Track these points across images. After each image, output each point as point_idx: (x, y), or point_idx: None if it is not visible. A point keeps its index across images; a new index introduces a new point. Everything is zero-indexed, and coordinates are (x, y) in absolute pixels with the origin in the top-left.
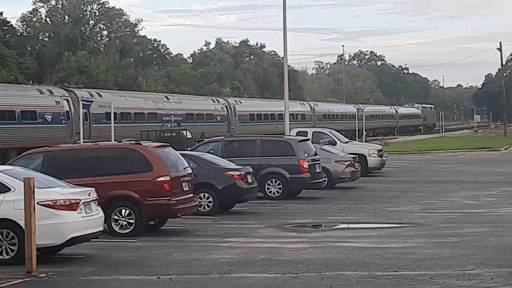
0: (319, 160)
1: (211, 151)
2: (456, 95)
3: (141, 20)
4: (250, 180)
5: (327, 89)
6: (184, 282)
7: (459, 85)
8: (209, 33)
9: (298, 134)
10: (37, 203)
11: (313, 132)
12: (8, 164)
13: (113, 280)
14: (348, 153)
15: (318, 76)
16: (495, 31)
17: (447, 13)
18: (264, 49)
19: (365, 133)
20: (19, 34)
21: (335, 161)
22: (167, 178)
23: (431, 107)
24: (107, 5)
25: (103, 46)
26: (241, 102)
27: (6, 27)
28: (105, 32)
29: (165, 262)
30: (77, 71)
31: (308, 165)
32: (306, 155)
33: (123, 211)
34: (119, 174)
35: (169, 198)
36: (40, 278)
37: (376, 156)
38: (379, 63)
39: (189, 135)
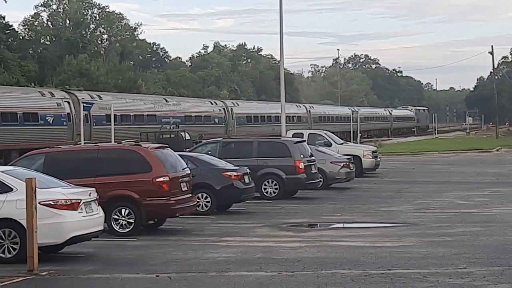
0: (314, 161)
1: (209, 152)
2: (449, 98)
3: (141, 24)
4: (247, 181)
5: (322, 91)
6: (183, 280)
7: (451, 88)
8: (207, 37)
9: (294, 135)
10: (39, 203)
11: (309, 133)
12: (10, 165)
13: (113, 278)
14: (343, 154)
15: (314, 79)
16: (486, 36)
17: (440, 17)
18: (261, 52)
19: (360, 134)
20: (21, 37)
21: (331, 162)
22: (166, 178)
23: (424, 110)
24: (107, 10)
25: (104, 49)
26: (238, 105)
27: (8, 31)
28: (105, 36)
29: (164, 260)
30: (78, 74)
31: (304, 166)
32: (302, 156)
33: (123, 210)
34: (119, 175)
35: (168, 198)
36: (42, 276)
37: (371, 157)
38: (373, 66)
39: (187, 137)
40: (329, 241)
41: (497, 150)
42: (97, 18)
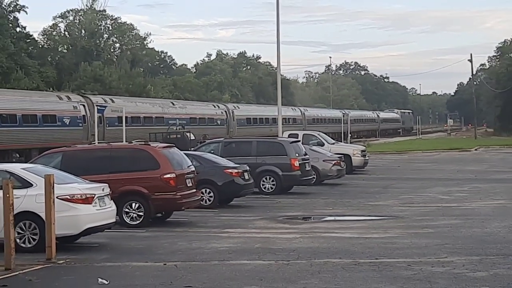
0: (308, 160)
1: (212, 151)
2: (432, 101)
3: (150, 34)
4: (246, 177)
5: (316, 96)
6: (188, 268)
7: (434, 93)
8: (210, 45)
9: (290, 136)
10: (57, 197)
11: (303, 134)
12: (30, 163)
13: (124, 266)
14: (335, 153)
15: (308, 84)
16: (466, 45)
17: (423, 28)
18: (259, 60)
19: (350, 135)
20: (40, 46)
21: (323, 160)
22: (173, 175)
23: (409, 112)
24: (119, 21)
25: (116, 57)
26: (239, 107)
27: (29, 40)
28: (117, 45)
29: (171, 250)
30: (93, 79)
31: (299, 164)
32: (297, 155)
33: (133, 204)
34: (129, 172)
35: (175, 193)
36: (59, 264)
37: (360, 156)
38: (362, 72)
39: (192, 137)
40: (322, 233)
41: (476, 150)
42: (110, 28)
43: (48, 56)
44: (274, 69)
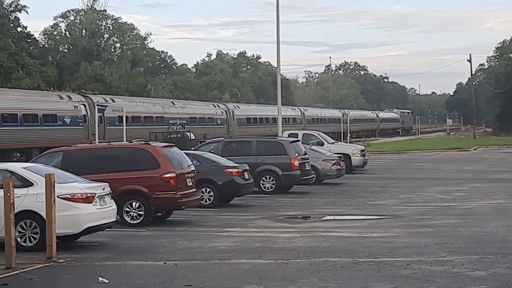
0: (308, 159)
1: (212, 151)
2: (431, 101)
3: (150, 34)
4: (246, 177)
5: (315, 96)
6: (188, 267)
7: (433, 93)
8: (211, 45)
9: (289, 135)
10: (57, 197)
11: (303, 134)
12: (31, 162)
13: (125, 265)
14: (334, 153)
15: (308, 84)
16: (465, 45)
17: (423, 28)
18: (259, 60)
19: (350, 135)
20: (41, 46)
21: (323, 160)
22: (173, 174)
23: (408, 112)
24: (120, 21)
25: (116, 57)
26: (239, 107)
27: (30, 40)
28: (118, 45)
29: (171, 249)
30: (93, 79)
31: (299, 163)
32: (296, 154)
33: (134, 203)
34: (130, 171)
35: (175, 192)
36: (60, 263)
37: (359, 155)
38: (362, 72)
39: (192, 136)
40: (321, 232)
41: (475, 149)
42: (111, 28)
43: (49, 56)
44: (274, 69)
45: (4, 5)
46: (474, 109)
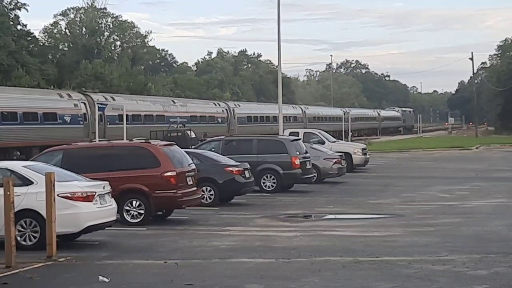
0: (309, 158)
1: (213, 149)
2: (432, 100)
3: (151, 32)
4: (247, 175)
5: (316, 94)
6: (189, 266)
7: (435, 91)
8: (211, 43)
9: (290, 134)
10: (57, 195)
11: (304, 132)
12: (31, 160)
13: (125, 264)
14: (336, 152)
15: (309, 82)
16: (467, 43)
17: (424, 26)
18: (260, 58)
19: (351, 133)
20: (41, 44)
21: (324, 159)
22: (173, 173)
23: (410, 111)
24: (120, 19)
25: (117, 55)
26: (239, 106)
27: (30, 38)
28: (118, 43)
29: (171, 248)
30: (93, 77)
31: (300, 162)
32: (297, 153)
33: (134, 202)
34: (130, 170)
35: (175, 191)
36: (60, 262)
37: (361, 154)
38: (363, 71)
39: (193, 135)
40: (322, 231)
41: (476, 148)
42: (111, 26)
43: (49, 54)
44: (275, 67)
45: (4, 3)
46: (476, 107)
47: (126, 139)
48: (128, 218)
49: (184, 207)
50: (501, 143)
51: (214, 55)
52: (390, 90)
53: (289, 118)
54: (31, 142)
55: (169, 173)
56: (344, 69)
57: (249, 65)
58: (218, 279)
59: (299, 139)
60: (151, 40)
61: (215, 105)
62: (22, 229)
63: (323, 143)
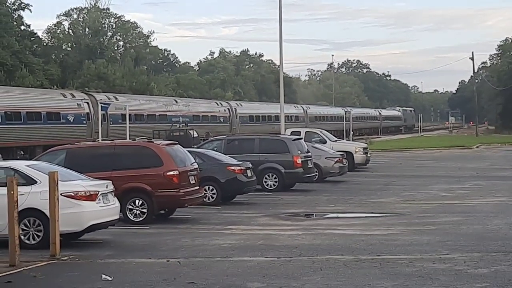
0: (311, 157)
1: (215, 149)
2: (433, 99)
3: (153, 32)
4: (249, 174)
5: (318, 93)
6: (191, 265)
7: (435, 90)
8: (213, 43)
9: (292, 133)
10: (61, 194)
11: (306, 132)
12: (35, 160)
13: (128, 262)
14: (337, 151)
15: (310, 82)
16: (468, 43)
17: (425, 26)
18: (262, 58)
19: (352, 133)
20: (45, 44)
21: (325, 158)
22: (176, 172)
23: (410, 110)
24: (123, 19)
25: (119, 55)
26: (241, 105)
27: (33, 38)
28: (121, 43)
29: (174, 247)
30: (96, 77)
31: (301, 161)
32: (299, 152)
33: (137, 201)
34: (133, 169)
35: (178, 190)
36: (63, 260)
37: (362, 153)
38: (364, 70)
39: (195, 134)
40: (324, 230)
41: (477, 147)
42: (114, 26)
43: (52, 54)
44: (277, 67)
45: (8, 4)
46: (476, 107)
47: (129, 139)
48: (131, 217)
49: (187, 206)
50: (502, 142)
51: (216, 55)
52: (391, 89)
53: (290, 117)
54: (35, 142)
55: (171, 172)
56: (345, 68)
57: (251, 65)
58: (220, 278)
59: (301, 139)
60: (153, 40)
61: (217, 104)
62: (26, 228)
63: (324, 142)
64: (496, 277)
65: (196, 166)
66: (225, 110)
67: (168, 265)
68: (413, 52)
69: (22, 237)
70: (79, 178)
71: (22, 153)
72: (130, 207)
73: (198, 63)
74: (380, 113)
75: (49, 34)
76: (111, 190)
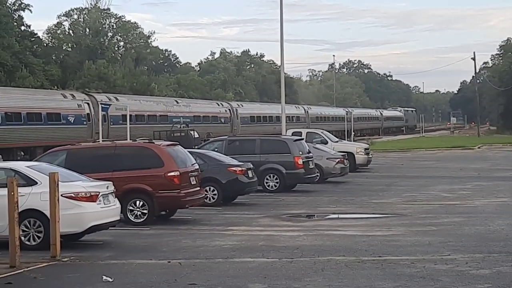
0: (312, 157)
1: (216, 149)
2: (435, 100)
3: (154, 32)
4: (250, 175)
5: (319, 94)
6: (192, 266)
7: (437, 91)
8: (214, 44)
9: (293, 134)
10: (61, 195)
11: (307, 132)
12: (35, 161)
13: (128, 263)
14: (338, 151)
15: (311, 82)
16: (469, 43)
17: (427, 26)
18: (263, 58)
19: (353, 133)
20: (45, 44)
21: (327, 158)
22: (177, 173)
23: (412, 110)
24: (124, 19)
25: (120, 55)
26: (242, 106)
27: (33, 39)
28: (121, 43)
29: (175, 248)
30: (97, 77)
31: (302, 161)
32: (300, 153)
33: (138, 202)
34: (134, 170)
35: (179, 191)
36: (64, 262)
37: (363, 154)
38: (365, 71)
39: (196, 135)
40: (325, 230)
41: (479, 148)
42: (114, 27)
43: (52, 55)
44: (278, 67)
45: (8, 4)
46: (478, 107)
47: (130, 139)
48: (131, 218)
49: (188, 207)
50: (503, 143)
51: (217, 55)
52: (393, 90)
53: (292, 118)
54: (35, 143)
55: (172, 173)
56: (346, 69)
57: (252, 65)
58: (221, 279)
59: (302, 139)
60: (154, 40)
61: (218, 105)
62: (26, 229)
63: (325, 143)
64: (498, 278)
65: (197, 167)
66: (226, 111)
67: (169, 266)
68: (414, 53)
69: (23, 238)
70: (80, 179)
71: (23, 154)
72: (131, 208)
73: (199, 63)
74: (381, 114)
75: (50, 34)
76: (112, 191)
